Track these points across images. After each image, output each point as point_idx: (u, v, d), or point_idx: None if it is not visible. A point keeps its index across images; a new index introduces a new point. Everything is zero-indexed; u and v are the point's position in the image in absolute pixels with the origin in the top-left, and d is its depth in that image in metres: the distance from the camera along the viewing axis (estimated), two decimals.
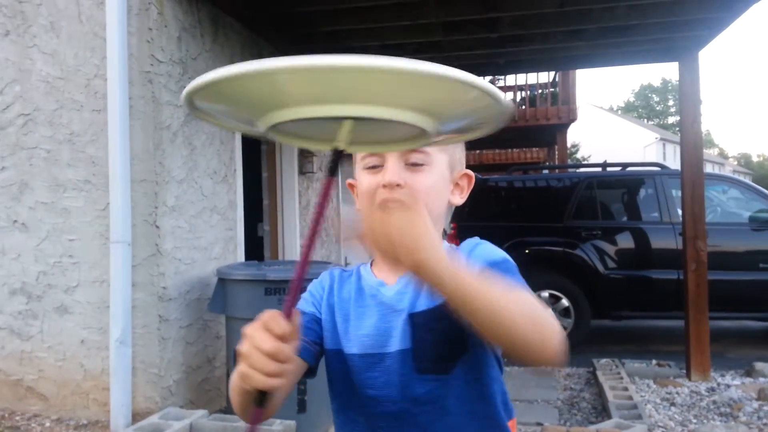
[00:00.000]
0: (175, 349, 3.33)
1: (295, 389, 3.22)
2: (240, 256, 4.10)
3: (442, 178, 1.01)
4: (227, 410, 3.44)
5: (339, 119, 0.64)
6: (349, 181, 1.09)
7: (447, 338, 0.94)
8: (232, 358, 3.31)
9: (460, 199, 1.06)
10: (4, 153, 3.39)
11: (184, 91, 0.62)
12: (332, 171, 0.70)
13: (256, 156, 5.21)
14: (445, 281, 0.72)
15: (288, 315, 0.69)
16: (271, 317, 0.69)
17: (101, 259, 3.25)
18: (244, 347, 0.69)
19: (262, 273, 3.23)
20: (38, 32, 3.34)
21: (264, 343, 0.67)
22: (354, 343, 0.99)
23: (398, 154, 0.98)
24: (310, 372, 0.99)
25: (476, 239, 1.04)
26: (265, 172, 5.25)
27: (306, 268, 0.72)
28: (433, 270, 0.72)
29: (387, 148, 0.81)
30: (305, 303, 1.05)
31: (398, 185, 0.96)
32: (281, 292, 3.18)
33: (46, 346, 3.34)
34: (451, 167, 1.04)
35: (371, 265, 1.06)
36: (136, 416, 3.16)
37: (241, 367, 0.69)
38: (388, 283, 1.01)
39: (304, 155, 5.38)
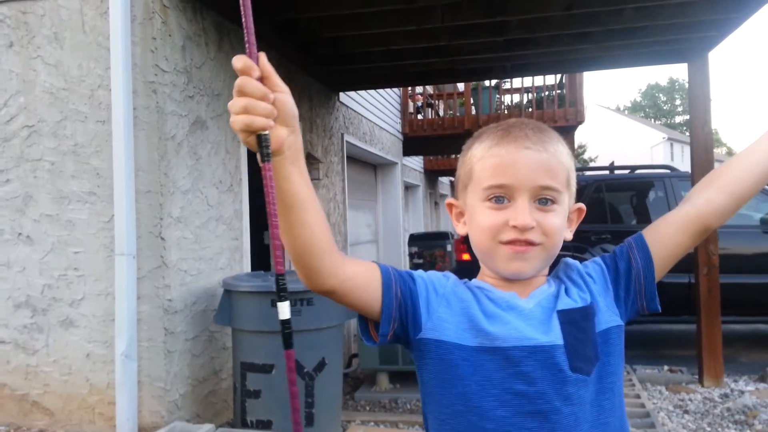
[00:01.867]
0: (181, 362, 3.29)
1: (303, 402, 3.18)
2: (246, 265, 4.07)
3: (566, 216, 0.99)
4: (234, 423, 3.40)
5: None
6: (451, 201, 1.05)
7: (591, 338, 0.93)
8: (239, 369, 3.27)
9: (570, 234, 1.02)
10: (9, 165, 3.36)
11: None
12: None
13: None
14: None
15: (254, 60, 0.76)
16: (235, 58, 0.74)
17: (106, 271, 3.21)
18: (234, 99, 0.75)
19: (268, 284, 3.19)
20: (42, 43, 3.31)
21: (236, 83, 0.74)
22: (501, 336, 0.92)
23: (531, 194, 0.93)
24: (375, 332, 0.95)
25: (567, 259, 1.04)
26: None
27: None
28: None
29: None
30: (417, 277, 0.97)
31: (532, 228, 0.93)
32: (289, 303, 3.13)
33: (51, 360, 3.31)
34: (571, 202, 1.00)
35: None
36: (142, 431, 3.12)
37: (233, 119, 0.74)
38: (520, 296, 0.98)
39: (310, 162, 5.34)
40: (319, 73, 5.53)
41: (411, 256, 9.39)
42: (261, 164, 0.76)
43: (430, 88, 11.72)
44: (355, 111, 7.18)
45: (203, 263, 3.55)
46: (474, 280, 1.02)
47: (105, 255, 3.23)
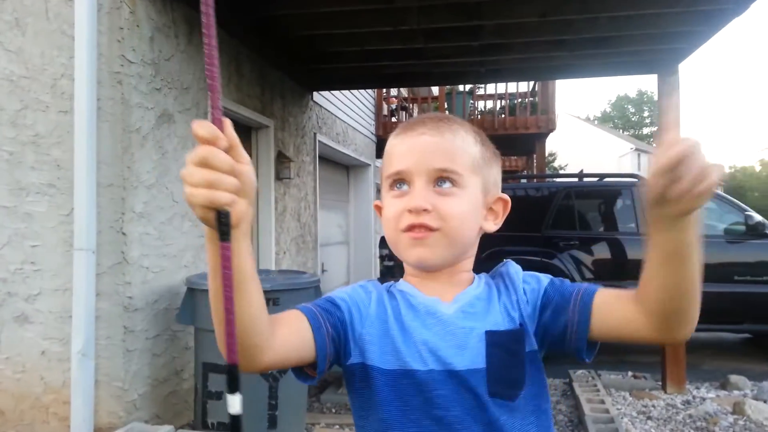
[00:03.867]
0: (141, 362, 3.20)
1: (266, 404, 3.11)
2: None
3: (475, 203, 0.94)
4: (194, 425, 3.32)
5: None
6: (377, 202, 1.02)
7: (520, 362, 0.90)
8: (201, 370, 3.19)
9: (494, 226, 0.98)
10: None
11: None
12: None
13: None
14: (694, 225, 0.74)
15: (219, 127, 0.65)
16: (197, 125, 0.64)
17: (65, 266, 3.11)
18: (190, 168, 0.64)
19: None
20: (2, 29, 3.19)
21: (198, 152, 0.63)
22: (417, 359, 0.89)
23: (427, 177, 0.90)
24: (312, 370, 0.87)
25: (509, 261, 0.99)
26: None
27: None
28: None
29: None
30: (341, 298, 0.93)
31: (425, 210, 0.89)
32: None
33: (3, 357, 3.18)
34: (485, 190, 0.96)
35: (407, 283, 0.98)
36: (98, 431, 3.02)
37: (190, 192, 0.65)
38: (443, 300, 0.94)
39: (281, 161, 5.27)
40: (293, 71, 5.46)
41: (382, 258, 9.34)
42: (218, 243, 0.67)
43: (404, 91, 11.72)
44: (328, 111, 7.12)
45: (166, 260, 3.45)
46: (400, 281, 0.99)
47: (63, 249, 3.12)
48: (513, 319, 0.92)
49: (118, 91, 3.09)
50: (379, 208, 1.00)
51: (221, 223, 0.66)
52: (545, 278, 0.96)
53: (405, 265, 0.99)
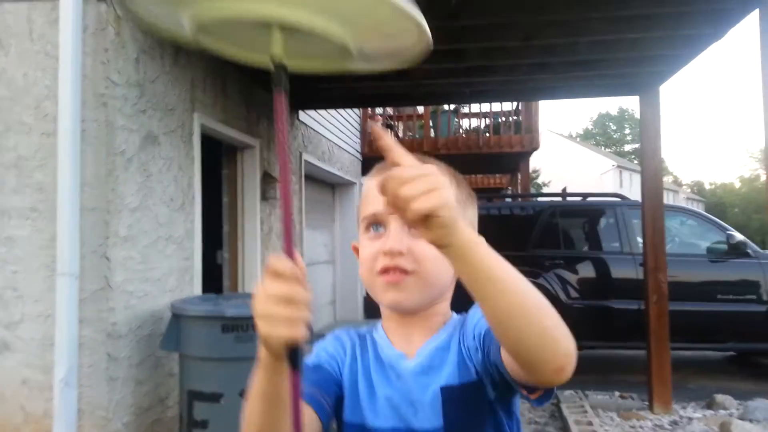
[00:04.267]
0: (125, 389, 3.13)
1: None
2: (197, 287, 3.93)
3: None
4: None
5: (263, 23, 0.64)
6: (354, 243, 1.01)
7: (480, 416, 0.88)
8: (186, 398, 3.13)
9: None
10: None
11: None
12: (278, 82, 0.69)
13: (217, 181, 5.05)
14: (473, 249, 0.67)
15: (290, 256, 0.65)
16: (276, 261, 0.64)
17: (47, 292, 3.04)
18: (258, 303, 0.64)
19: (220, 309, 3.07)
20: None
21: (277, 289, 0.63)
22: (380, 416, 0.91)
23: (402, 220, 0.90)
24: None
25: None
26: (225, 198, 5.10)
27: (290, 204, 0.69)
28: (461, 231, 0.66)
29: (316, 64, 0.77)
30: (321, 359, 0.96)
31: (400, 253, 0.88)
32: (240, 329, 3.03)
33: None
34: None
35: (382, 329, 0.99)
36: None
37: (268, 332, 0.63)
38: (408, 355, 0.93)
39: (267, 181, 5.25)
40: None
41: None
42: (280, 371, 0.68)
43: (390, 109, 11.77)
44: (314, 130, 7.12)
45: (150, 285, 3.40)
46: (377, 326, 1.00)
47: (46, 275, 3.06)
48: (469, 370, 0.89)
49: (103, 113, 3.06)
50: (356, 249, 1.00)
51: (294, 354, 0.65)
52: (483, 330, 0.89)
53: (381, 307, 0.98)
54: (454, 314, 0.98)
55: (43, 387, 3.03)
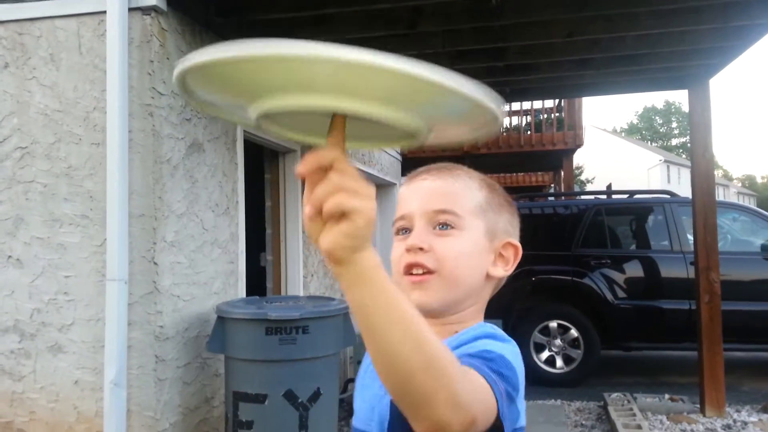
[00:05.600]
0: (172, 390, 3.20)
1: None
2: (241, 289, 3.99)
3: (476, 246, 0.92)
4: None
5: (325, 113, 0.62)
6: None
7: None
8: (232, 399, 3.19)
9: (503, 271, 0.96)
10: (1, 187, 3.30)
11: (175, 76, 0.62)
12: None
13: (260, 185, 5.13)
14: (376, 274, 0.62)
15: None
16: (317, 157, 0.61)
17: (97, 296, 3.14)
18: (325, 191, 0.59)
19: (263, 312, 3.12)
20: (38, 64, 3.27)
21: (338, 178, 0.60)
22: (357, 416, 0.96)
23: (426, 218, 0.91)
24: None
25: (489, 327, 0.92)
26: (268, 201, 5.17)
27: None
28: (369, 251, 0.62)
29: (378, 144, 0.75)
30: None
31: (422, 249, 0.89)
32: (282, 332, 3.07)
33: (38, 387, 3.22)
34: (491, 235, 0.94)
35: None
36: None
37: (347, 203, 0.59)
38: None
39: None
40: None
41: None
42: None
43: None
44: None
45: (197, 288, 3.47)
46: None
47: (96, 280, 3.16)
48: None
49: (149, 122, 3.14)
50: None
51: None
52: (481, 351, 0.83)
53: None
54: (480, 329, 0.92)
55: (95, 388, 3.13)
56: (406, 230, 0.93)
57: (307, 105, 0.59)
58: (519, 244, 0.98)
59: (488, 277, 0.94)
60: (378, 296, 0.62)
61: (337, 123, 0.62)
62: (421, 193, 0.94)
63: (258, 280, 5.14)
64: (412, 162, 10.30)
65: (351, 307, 0.64)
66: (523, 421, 0.86)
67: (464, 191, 0.94)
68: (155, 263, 3.12)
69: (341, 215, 0.59)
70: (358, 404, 0.97)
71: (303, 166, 0.60)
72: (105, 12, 3.09)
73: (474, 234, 0.92)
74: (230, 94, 0.66)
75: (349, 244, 0.60)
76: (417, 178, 0.97)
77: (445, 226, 0.91)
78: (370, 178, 8.19)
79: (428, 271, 0.89)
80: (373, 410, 0.90)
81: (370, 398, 0.93)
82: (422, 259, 0.89)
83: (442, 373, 0.63)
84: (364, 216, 0.59)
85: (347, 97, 0.58)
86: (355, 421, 0.96)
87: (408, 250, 0.90)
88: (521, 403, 0.84)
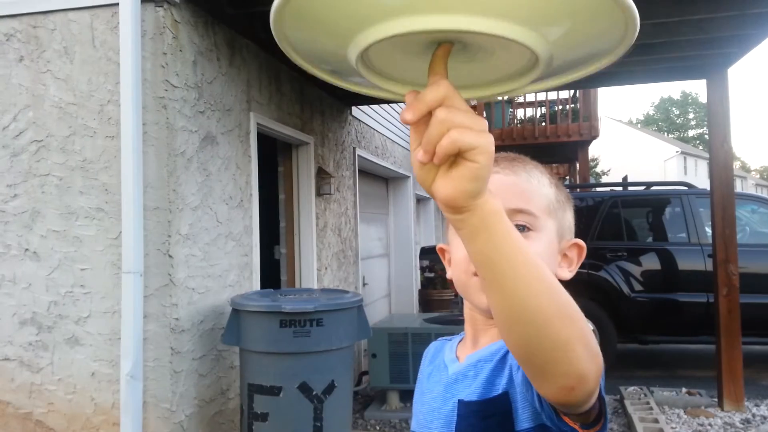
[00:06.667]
0: (188, 383, 3.22)
1: (311, 426, 3.09)
2: (256, 282, 4.00)
3: (550, 248, 0.88)
4: None
5: (437, 34, 0.54)
6: (441, 246, 0.97)
7: None
8: (247, 391, 3.20)
9: (569, 273, 0.91)
10: (17, 180, 3.32)
11: (272, 12, 0.54)
12: None
13: (273, 178, 5.13)
14: (497, 221, 0.56)
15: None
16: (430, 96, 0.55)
17: (113, 289, 3.16)
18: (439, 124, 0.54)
19: (278, 304, 3.11)
20: (52, 57, 3.29)
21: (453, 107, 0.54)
22: (416, 420, 0.95)
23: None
24: None
25: None
26: (282, 194, 5.17)
27: None
28: (489, 196, 0.56)
29: (487, 91, 0.66)
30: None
31: None
32: (297, 324, 3.07)
33: (56, 379, 3.25)
34: (560, 235, 0.90)
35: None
36: None
37: (463, 137, 0.53)
38: (459, 360, 0.91)
39: (321, 177, 5.29)
40: (331, 87, 5.47)
41: (422, 269, 9.30)
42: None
43: None
44: (367, 125, 7.13)
45: (211, 281, 3.48)
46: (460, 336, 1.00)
47: (112, 272, 3.18)
48: (494, 387, 0.81)
49: (163, 115, 3.14)
50: (443, 252, 0.95)
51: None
52: None
53: (466, 308, 0.94)
54: None
55: (111, 380, 3.15)
56: None
57: (413, 28, 0.52)
58: (584, 244, 0.93)
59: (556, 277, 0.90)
60: (503, 244, 0.57)
61: (440, 56, 0.55)
62: (494, 187, 0.86)
63: (272, 273, 5.15)
64: None
65: (473, 258, 0.58)
66: None
67: (538, 188, 0.88)
68: (170, 256, 3.13)
69: (457, 156, 0.53)
70: (417, 408, 0.96)
71: (410, 111, 0.54)
72: (118, 4, 3.09)
73: (548, 235, 0.87)
74: (328, 31, 0.58)
75: (471, 188, 0.54)
76: None
77: (522, 227, 0.85)
78: (382, 170, 8.18)
79: None
80: (434, 412, 0.89)
81: (430, 401, 0.91)
82: None
83: (575, 318, 0.58)
84: (485, 153, 0.53)
85: (460, 13, 0.51)
86: (415, 426, 0.94)
87: None
88: None
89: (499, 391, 0.79)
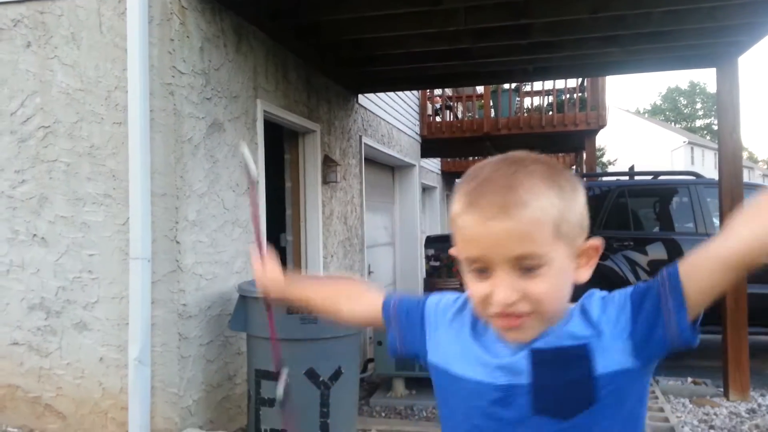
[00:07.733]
0: (195, 368, 3.24)
1: (318, 412, 3.11)
2: None
3: (564, 271, 0.88)
4: (247, 429, 3.34)
5: None
6: (453, 252, 0.95)
7: (578, 380, 0.87)
8: (254, 376, 3.22)
9: (588, 273, 0.92)
10: (25, 166, 3.34)
11: None
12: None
13: (279, 166, 5.12)
14: None
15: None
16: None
17: (121, 274, 3.17)
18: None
19: None
20: (59, 43, 3.28)
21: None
22: (466, 367, 0.95)
23: (509, 265, 0.84)
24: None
25: (596, 291, 0.93)
26: (288, 182, 5.17)
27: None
28: None
29: None
30: (415, 304, 1.09)
31: (513, 304, 0.85)
32: (303, 311, 3.08)
33: (64, 363, 3.27)
34: (571, 247, 0.88)
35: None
36: None
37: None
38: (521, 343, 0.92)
39: (328, 165, 5.28)
40: (338, 75, 5.46)
41: (428, 258, 9.30)
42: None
43: (449, 90, 11.62)
44: (373, 113, 7.11)
45: (219, 267, 3.49)
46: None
47: (120, 258, 3.19)
48: (577, 338, 0.89)
49: (170, 101, 3.13)
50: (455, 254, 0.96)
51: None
52: (628, 290, 0.90)
53: None
54: (594, 296, 0.92)
55: (119, 365, 3.18)
56: (482, 269, 0.87)
57: None
58: (598, 242, 0.92)
59: (575, 282, 0.91)
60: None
61: None
62: (492, 240, 0.84)
63: (279, 261, 5.15)
64: (432, 144, 10.23)
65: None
66: None
67: (539, 220, 0.84)
68: (177, 242, 3.14)
69: None
70: (470, 357, 0.96)
71: None
72: None
73: (560, 262, 0.86)
74: None
75: None
76: (478, 214, 0.85)
77: (531, 269, 0.84)
78: (388, 159, 8.17)
79: (521, 315, 0.87)
80: (502, 366, 0.92)
81: (491, 357, 0.93)
82: (517, 308, 0.85)
83: None
84: None
85: None
86: (468, 371, 0.94)
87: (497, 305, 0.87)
88: None
89: (582, 340, 0.88)
